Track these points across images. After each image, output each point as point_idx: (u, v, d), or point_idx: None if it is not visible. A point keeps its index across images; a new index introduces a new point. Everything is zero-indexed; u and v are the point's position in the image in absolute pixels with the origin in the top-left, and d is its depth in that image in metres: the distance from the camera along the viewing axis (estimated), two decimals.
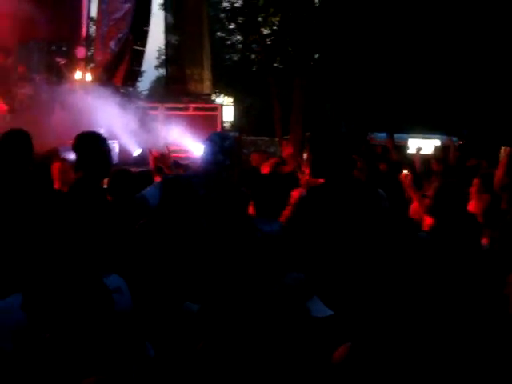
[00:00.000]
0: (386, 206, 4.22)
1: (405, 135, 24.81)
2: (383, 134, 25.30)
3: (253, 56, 30.27)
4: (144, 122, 13.70)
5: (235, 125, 26.66)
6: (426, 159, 9.70)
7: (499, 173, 4.48)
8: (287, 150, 9.77)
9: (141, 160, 11.45)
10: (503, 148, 6.97)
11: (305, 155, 10.30)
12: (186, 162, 8.66)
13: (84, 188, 4.48)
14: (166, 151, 5.78)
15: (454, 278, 3.63)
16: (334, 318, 3.10)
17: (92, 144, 4.62)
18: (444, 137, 22.43)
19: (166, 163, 5.52)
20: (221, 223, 4.21)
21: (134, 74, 17.22)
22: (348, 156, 4.17)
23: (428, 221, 4.80)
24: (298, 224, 4.02)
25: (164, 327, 3.53)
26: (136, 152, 12.41)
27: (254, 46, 29.31)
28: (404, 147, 18.66)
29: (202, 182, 4.48)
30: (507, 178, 4.28)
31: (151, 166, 5.61)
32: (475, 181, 6.05)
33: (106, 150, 4.68)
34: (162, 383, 2.81)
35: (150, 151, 5.62)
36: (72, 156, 11.27)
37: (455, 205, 4.23)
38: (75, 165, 4.75)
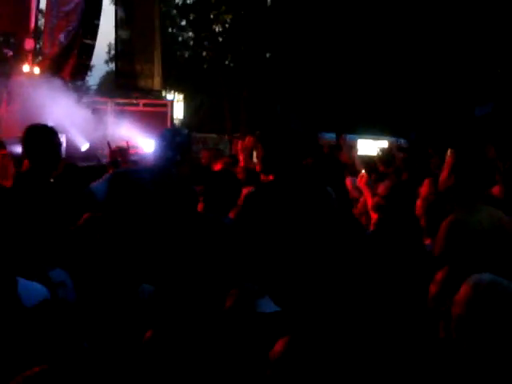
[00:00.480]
0: (334, 204, 4.26)
1: (354, 136, 25.07)
2: (331, 134, 25.61)
3: (204, 53, 30.19)
4: (93, 117, 13.56)
5: (185, 122, 26.57)
6: (371, 160, 9.79)
7: (444, 174, 4.57)
8: (239, 145, 9.75)
9: (88, 155, 11.34)
10: (449, 150, 7.09)
11: (254, 153, 10.30)
12: (135, 158, 8.61)
13: (30, 181, 4.41)
14: (126, 145, 5.78)
15: (391, 276, 3.68)
16: (281, 314, 3.12)
17: (42, 137, 4.54)
18: (392, 139, 22.73)
19: (124, 157, 5.51)
20: (169, 218, 4.20)
21: (83, 67, 16.99)
22: (298, 153, 4.19)
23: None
24: (244, 220, 4.02)
25: (109, 322, 3.51)
26: (84, 147, 12.27)
27: (205, 43, 29.26)
28: (353, 148, 18.82)
29: (151, 176, 4.47)
30: (452, 179, 4.36)
31: (108, 159, 5.58)
32: (426, 181, 6.15)
33: (56, 144, 4.62)
34: (98, 374, 2.80)
35: (109, 144, 5.58)
36: (18, 149, 11.08)
37: (405, 205, 4.33)
38: (23, 157, 4.68)
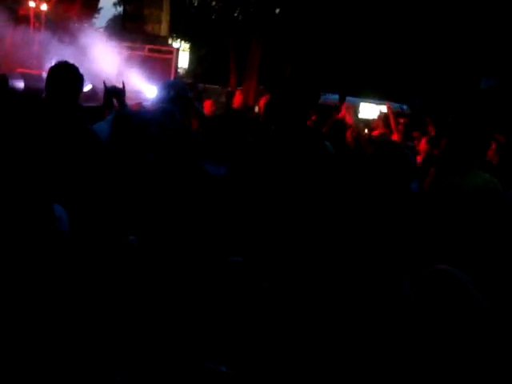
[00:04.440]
0: (332, 153, 4.27)
1: (357, 99, 24.98)
2: (335, 96, 25.54)
3: (213, 3, 29.83)
4: (97, 58, 13.46)
5: (189, 71, 26.33)
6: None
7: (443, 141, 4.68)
8: (238, 100, 9.79)
9: (90, 96, 11.28)
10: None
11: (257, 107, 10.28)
12: (137, 102, 8.55)
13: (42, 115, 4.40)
14: (122, 86, 5.61)
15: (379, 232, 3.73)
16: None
17: (67, 77, 4.53)
18: (395, 104, 22.67)
19: (119, 97, 5.38)
20: (170, 162, 4.22)
21: (91, 8, 16.86)
22: (303, 106, 4.18)
23: None
24: (241, 169, 4.05)
25: (105, 259, 3.56)
26: (86, 87, 12.19)
27: None
28: (356, 110, 18.81)
29: (154, 119, 4.46)
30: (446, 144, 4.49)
31: (103, 98, 5.46)
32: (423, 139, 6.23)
33: (79, 88, 4.61)
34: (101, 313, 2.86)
35: (105, 83, 5.45)
36: (20, 84, 10.97)
37: (387, 164, 4.35)
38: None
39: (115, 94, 5.15)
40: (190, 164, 4.23)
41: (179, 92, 4.82)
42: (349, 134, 7.22)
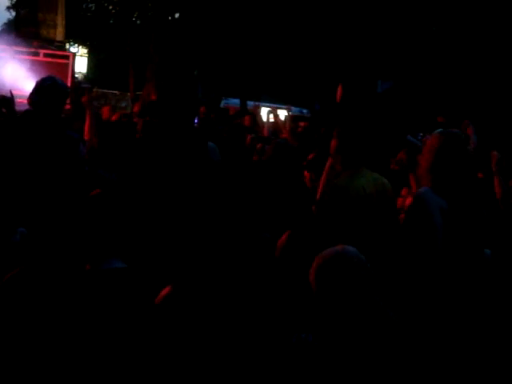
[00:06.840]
0: (215, 159, 4.29)
1: (258, 103, 25.21)
2: (236, 100, 25.71)
3: (110, 7, 29.44)
4: None
5: (88, 76, 25.93)
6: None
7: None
8: (138, 106, 9.68)
9: None
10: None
11: None
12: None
13: None
14: (10, 95, 5.55)
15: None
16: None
17: None
18: (295, 108, 22.95)
19: (8, 106, 5.31)
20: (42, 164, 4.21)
21: None
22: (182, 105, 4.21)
23: None
24: (127, 172, 4.06)
25: None
26: None
27: None
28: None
29: (27, 123, 4.47)
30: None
31: None
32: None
33: None
34: None
35: None
36: None
37: (283, 164, 4.49)
38: None
39: (3, 102, 5.09)
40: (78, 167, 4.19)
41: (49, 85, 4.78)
42: (248, 138, 7.29)
